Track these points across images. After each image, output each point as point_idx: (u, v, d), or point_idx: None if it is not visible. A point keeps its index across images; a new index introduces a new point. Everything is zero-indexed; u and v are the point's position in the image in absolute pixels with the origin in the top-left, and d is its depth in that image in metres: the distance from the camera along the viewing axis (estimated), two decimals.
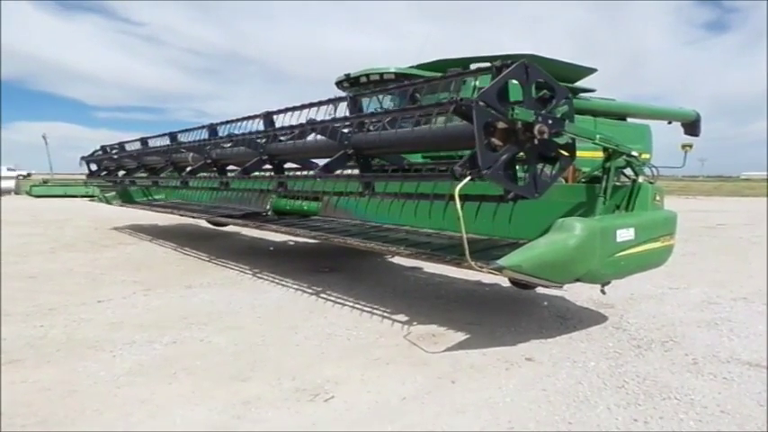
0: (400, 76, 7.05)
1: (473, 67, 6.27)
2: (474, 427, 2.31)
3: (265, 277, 5.46)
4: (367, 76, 7.33)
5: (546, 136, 2.95)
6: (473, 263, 2.77)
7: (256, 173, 5.21)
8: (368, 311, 4.15)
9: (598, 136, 3.51)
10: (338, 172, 4.19)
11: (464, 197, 3.16)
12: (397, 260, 6.39)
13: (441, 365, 3.02)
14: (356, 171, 4.15)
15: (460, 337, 3.53)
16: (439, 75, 6.91)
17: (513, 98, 3.00)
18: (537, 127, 2.92)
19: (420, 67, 7.79)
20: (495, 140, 2.91)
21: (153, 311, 4.20)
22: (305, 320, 3.94)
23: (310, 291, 4.84)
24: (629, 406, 2.52)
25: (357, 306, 4.30)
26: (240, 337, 3.55)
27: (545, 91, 3.17)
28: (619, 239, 3.20)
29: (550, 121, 3.00)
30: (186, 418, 2.40)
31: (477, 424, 2.34)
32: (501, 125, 2.90)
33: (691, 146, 9.61)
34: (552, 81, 3.18)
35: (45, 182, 25.01)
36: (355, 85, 7.62)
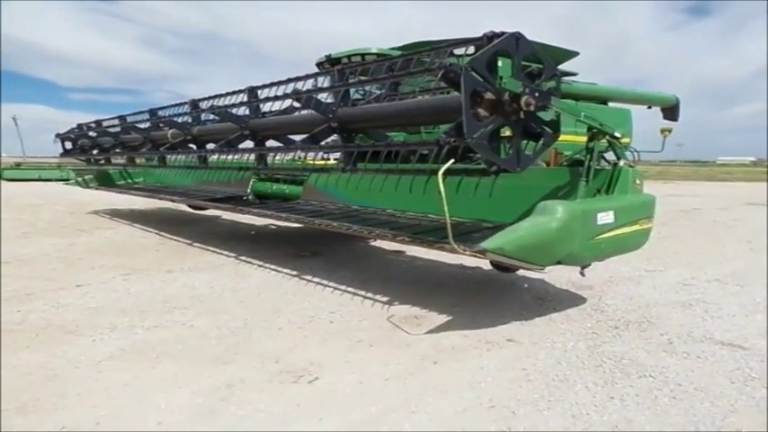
0: (382, 57, 6.98)
1: (456, 52, 6.24)
2: (456, 406, 2.35)
3: (247, 262, 5.43)
4: (348, 57, 7.23)
5: (532, 108, 2.96)
6: (456, 246, 2.78)
7: (238, 148, 5.11)
8: (350, 295, 4.17)
9: (583, 114, 3.53)
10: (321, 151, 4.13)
11: (446, 172, 3.16)
12: (379, 244, 6.40)
13: (423, 347, 3.06)
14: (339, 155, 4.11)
15: (443, 319, 3.57)
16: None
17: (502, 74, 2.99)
18: (524, 99, 2.92)
19: (402, 48, 7.71)
20: (481, 111, 2.90)
21: (133, 296, 4.15)
22: (288, 304, 3.94)
23: (293, 275, 4.83)
24: (606, 384, 2.60)
25: (340, 289, 4.31)
26: (222, 320, 3.54)
27: (534, 66, 3.16)
28: (599, 222, 3.24)
29: (537, 94, 3.01)
30: (170, 401, 2.39)
31: (460, 403, 2.38)
32: (488, 96, 2.90)
33: (670, 130, 9.78)
34: (542, 54, 3.17)
35: (17, 165, 24.22)
36: (336, 65, 7.53)
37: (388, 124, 3.89)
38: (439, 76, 2.89)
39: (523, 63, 3.10)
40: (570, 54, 8.56)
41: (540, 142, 3.25)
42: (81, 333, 3.28)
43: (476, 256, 2.89)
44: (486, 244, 2.80)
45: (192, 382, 2.59)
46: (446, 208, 2.80)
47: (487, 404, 2.37)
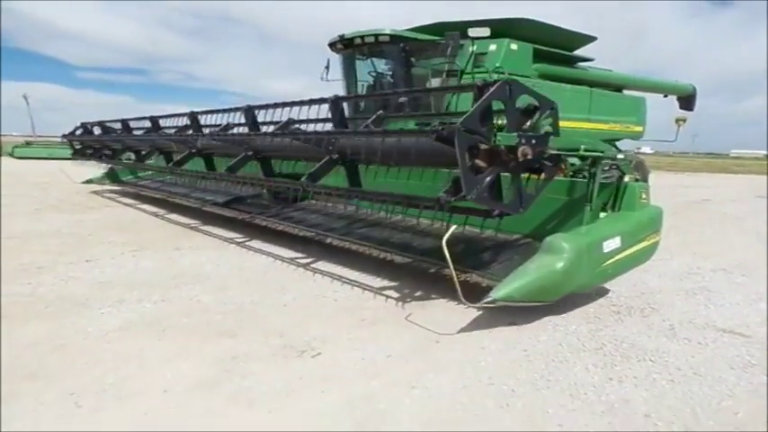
0: (396, 39, 6.92)
1: (471, 31, 6.18)
2: (456, 383, 2.38)
3: (254, 243, 5.47)
4: (361, 37, 7.18)
5: (530, 157, 2.99)
6: (466, 303, 2.96)
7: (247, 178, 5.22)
8: (356, 276, 4.20)
9: (582, 147, 3.53)
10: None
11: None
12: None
13: (426, 327, 3.09)
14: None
15: (446, 300, 3.60)
16: (436, 38, 6.83)
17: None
18: (520, 150, 2.95)
19: (416, 29, 7.65)
20: (479, 162, 2.94)
21: (141, 271, 4.21)
22: (293, 283, 3.98)
23: (299, 256, 4.87)
24: (605, 366, 2.62)
25: (345, 271, 4.35)
26: (228, 297, 3.59)
27: (530, 103, 3.17)
28: (606, 250, 3.28)
29: (534, 141, 3.02)
30: (175, 371, 2.45)
31: (460, 380, 2.42)
32: (484, 146, 2.92)
33: (684, 120, 9.63)
34: (536, 94, 3.18)
35: (28, 144, 24.39)
36: (349, 46, 7.48)
37: (389, 162, 3.87)
38: (434, 138, 2.88)
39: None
40: (587, 39, 8.41)
41: (543, 177, 3.27)
42: (90, 306, 3.35)
43: (487, 308, 2.99)
44: (495, 294, 2.90)
45: (197, 354, 2.64)
46: (453, 271, 2.98)
47: (487, 382, 2.41)
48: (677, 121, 9.43)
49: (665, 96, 10.56)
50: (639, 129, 9.73)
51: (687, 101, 10.87)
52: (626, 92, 9.78)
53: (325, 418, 2.07)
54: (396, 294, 3.74)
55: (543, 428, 2.02)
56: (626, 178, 3.67)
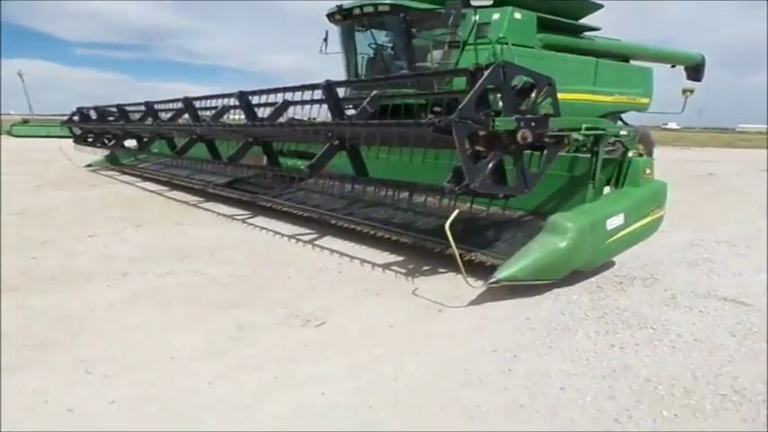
0: (395, 8, 6.76)
1: (474, 3, 6.04)
2: (459, 350, 2.41)
3: (256, 219, 5.47)
4: (360, 7, 7.02)
5: (530, 140, 2.95)
6: (470, 283, 2.99)
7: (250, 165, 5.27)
8: (360, 251, 4.21)
9: (584, 126, 3.46)
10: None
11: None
12: None
13: (429, 297, 3.12)
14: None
15: (448, 271, 3.61)
16: (437, 7, 6.68)
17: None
18: (520, 133, 2.92)
19: None
20: (479, 148, 2.92)
21: (145, 246, 4.24)
22: (297, 256, 4.00)
23: (303, 232, 4.87)
24: (607, 333, 2.64)
25: (349, 246, 4.35)
26: (232, 269, 3.61)
27: (526, 80, 3.12)
28: (609, 227, 3.27)
29: (533, 124, 2.99)
30: (182, 339, 2.48)
31: (462, 347, 2.45)
32: (484, 132, 2.88)
33: (692, 91, 9.42)
34: (532, 72, 3.12)
35: (26, 122, 24.23)
36: (348, 17, 7.31)
37: (389, 144, 3.84)
38: (431, 131, 2.85)
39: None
40: (594, 7, 8.19)
41: (545, 155, 3.23)
42: (94, 278, 3.38)
43: (492, 287, 2.99)
44: (499, 275, 2.93)
45: (202, 324, 2.67)
46: (457, 254, 2.98)
47: (490, 348, 2.43)
48: (684, 91, 9.22)
49: (673, 67, 10.32)
50: (646, 101, 9.57)
51: (695, 71, 10.63)
52: (633, 62, 9.58)
53: (330, 381, 2.10)
54: (400, 268, 3.75)
55: (545, 392, 2.05)
56: (630, 153, 3.64)
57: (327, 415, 1.88)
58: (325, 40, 7.82)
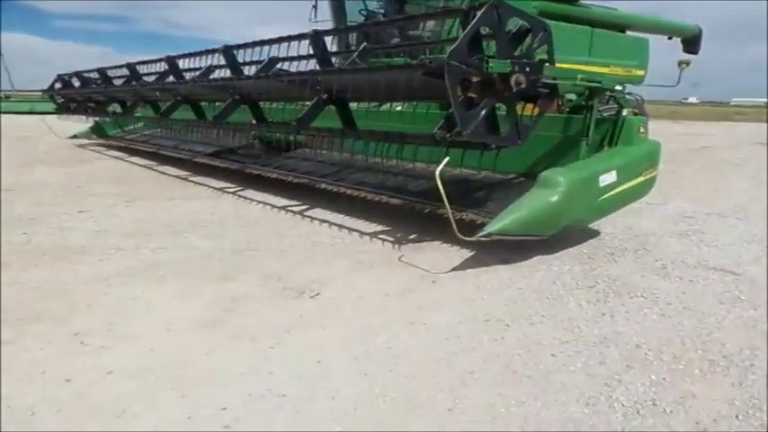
0: None
1: None
2: (452, 319, 2.44)
3: (248, 192, 5.43)
4: None
5: (524, 86, 2.87)
6: (461, 236, 2.92)
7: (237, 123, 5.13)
8: (351, 221, 4.21)
9: (579, 76, 3.40)
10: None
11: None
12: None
13: (422, 268, 3.13)
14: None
15: (441, 242, 3.63)
16: None
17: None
18: (513, 78, 2.83)
19: None
20: (471, 94, 2.83)
21: (137, 221, 4.21)
22: (290, 229, 3.99)
23: (295, 204, 4.85)
24: (598, 302, 2.68)
25: (340, 217, 4.35)
26: (225, 243, 3.60)
27: (521, 23, 3.02)
28: (601, 184, 3.25)
29: (528, 69, 2.90)
30: (177, 312, 2.49)
31: (456, 316, 2.48)
32: (476, 78, 2.79)
33: (688, 63, 9.31)
34: (527, 15, 3.02)
35: (7, 97, 23.58)
36: None
37: (378, 97, 3.73)
38: (421, 73, 2.74)
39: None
40: None
41: (538, 105, 3.17)
42: (87, 253, 3.36)
43: (482, 240, 2.96)
44: (490, 228, 2.90)
45: (197, 296, 2.68)
46: (447, 204, 2.92)
47: (483, 318, 2.46)
48: (680, 63, 9.11)
49: (670, 38, 10.17)
50: (641, 73, 9.46)
51: (692, 42, 10.47)
52: (629, 32, 9.42)
53: (326, 351, 2.12)
54: (391, 238, 3.76)
55: (537, 358, 2.09)
56: (624, 112, 3.61)
57: (323, 383, 1.90)
58: (315, 7, 7.60)
